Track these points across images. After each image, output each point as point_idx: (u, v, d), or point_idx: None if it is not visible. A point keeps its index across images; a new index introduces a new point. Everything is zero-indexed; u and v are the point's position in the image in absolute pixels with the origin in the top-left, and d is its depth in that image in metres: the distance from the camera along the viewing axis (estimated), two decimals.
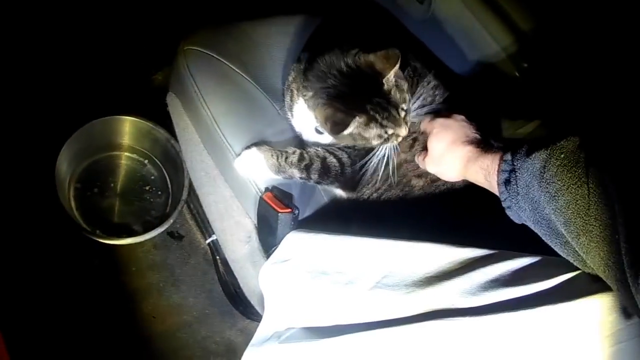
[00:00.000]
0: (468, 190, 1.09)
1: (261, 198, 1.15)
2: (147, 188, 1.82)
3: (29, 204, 1.66)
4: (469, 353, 0.83)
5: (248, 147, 1.18)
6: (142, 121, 1.72)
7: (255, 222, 1.21)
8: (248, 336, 1.69)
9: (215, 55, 1.29)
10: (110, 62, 1.84)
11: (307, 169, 1.14)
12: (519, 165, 0.90)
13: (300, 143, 1.22)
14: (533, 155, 0.88)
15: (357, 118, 1.04)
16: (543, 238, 0.89)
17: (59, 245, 1.66)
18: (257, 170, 1.16)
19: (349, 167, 1.17)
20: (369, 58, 1.08)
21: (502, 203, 0.94)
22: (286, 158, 1.14)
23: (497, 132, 1.30)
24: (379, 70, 1.07)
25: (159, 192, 1.81)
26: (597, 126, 1.16)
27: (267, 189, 1.16)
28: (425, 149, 1.11)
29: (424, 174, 1.15)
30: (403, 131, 1.09)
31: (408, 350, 0.86)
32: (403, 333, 0.87)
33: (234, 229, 1.29)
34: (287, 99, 1.20)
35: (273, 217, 1.11)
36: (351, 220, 1.16)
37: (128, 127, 1.76)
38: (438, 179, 1.13)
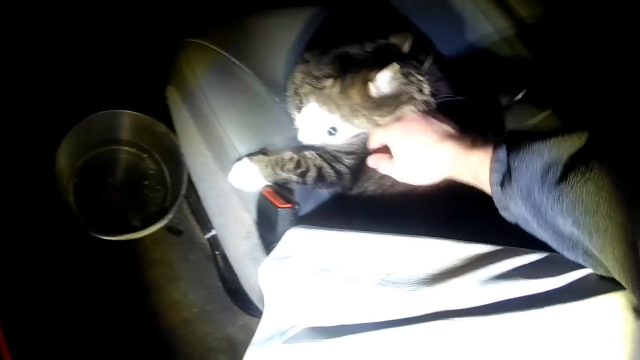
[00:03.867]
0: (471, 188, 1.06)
1: (261, 193, 1.13)
2: (146, 183, 1.81)
3: (28, 199, 1.66)
4: (476, 353, 0.81)
5: (240, 159, 1.16)
6: (141, 115, 1.71)
7: (255, 217, 1.18)
8: (249, 333, 1.67)
9: (216, 48, 1.27)
10: (109, 55, 1.83)
11: (304, 175, 1.12)
12: (516, 165, 0.86)
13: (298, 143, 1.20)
14: (533, 155, 0.84)
15: (395, 65, 1.00)
16: (547, 241, 0.86)
17: (58, 241, 1.66)
18: (251, 181, 1.14)
19: (348, 174, 1.14)
20: (387, 40, 1.07)
21: (496, 204, 0.91)
22: (282, 166, 1.12)
23: (497, 125, 1.29)
24: (397, 44, 1.06)
25: (158, 187, 1.80)
26: (606, 119, 1.13)
27: (266, 185, 1.14)
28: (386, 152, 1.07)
29: None
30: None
31: (414, 351, 0.84)
32: (409, 333, 0.85)
33: (233, 224, 1.27)
34: (295, 102, 1.17)
35: (273, 213, 1.09)
36: (354, 215, 1.13)
37: (127, 121, 1.75)
38: None
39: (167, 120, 1.52)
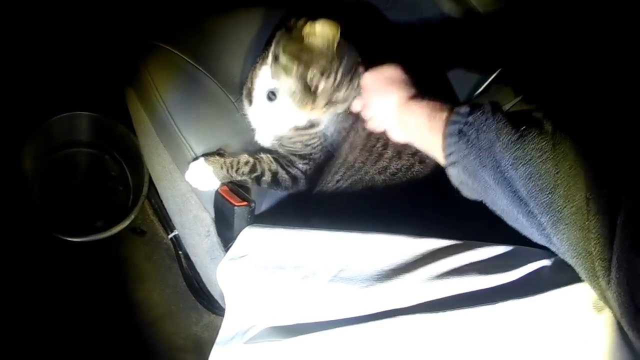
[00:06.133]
0: (434, 181, 1.07)
1: (217, 192, 1.14)
2: (108, 184, 1.80)
3: None
4: (428, 351, 0.82)
5: (196, 159, 1.17)
6: (101, 117, 1.70)
7: (213, 216, 1.19)
8: (214, 331, 1.68)
9: (172, 50, 1.27)
10: (68, 58, 1.81)
11: (258, 179, 1.15)
12: (481, 119, 0.85)
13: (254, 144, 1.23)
14: (496, 114, 0.84)
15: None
16: (502, 204, 0.85)
17: (22, 243, 1.65)
18: (207, 181, 1.16)
19: (303, 179, 1.16)
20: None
21: (446, 158, 0.90)
22: (237, 169, 1.14)
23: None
24: None
25: (120, 188, 1.80)
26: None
27: (223, 183, 1.15)
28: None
29: (383, 170, 1.14)
30: (320, 104, 1.07)
31: (368, 349, 0.85)
32: (362, 331, 0.85)
33: (192, 223, 1.28)
34: (249, 97, 1.18)
35: (229, 211, 1.10)
36: (312, 214, 1.15)
37: (88, 123, 1.74)
38: (398, 172, 1.12)
39: (128, 121, 1.52)
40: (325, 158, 1.16)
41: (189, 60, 1.26)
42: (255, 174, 1.14)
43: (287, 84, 1.05)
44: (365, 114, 1.10)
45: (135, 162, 1.70)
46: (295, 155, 1.15)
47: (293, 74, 1.04)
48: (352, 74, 1.07)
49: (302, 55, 1.04)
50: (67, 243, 1.63)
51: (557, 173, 0.76)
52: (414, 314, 0.83)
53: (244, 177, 1.14)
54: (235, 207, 1.08)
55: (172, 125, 1.20)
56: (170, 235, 1.71)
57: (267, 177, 1.14)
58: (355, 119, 1.14)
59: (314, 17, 1.03)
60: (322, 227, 1.00)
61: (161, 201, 1.60)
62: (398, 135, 1.05)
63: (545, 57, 1.28)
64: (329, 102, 1.07)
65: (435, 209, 1.10)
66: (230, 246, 1.09)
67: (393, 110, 1.02)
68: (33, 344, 1.59)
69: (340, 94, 1.07)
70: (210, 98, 1.25)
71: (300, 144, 1.15)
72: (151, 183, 1.63)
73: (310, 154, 1.16)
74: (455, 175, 0.91)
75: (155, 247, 1.80)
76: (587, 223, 0.73)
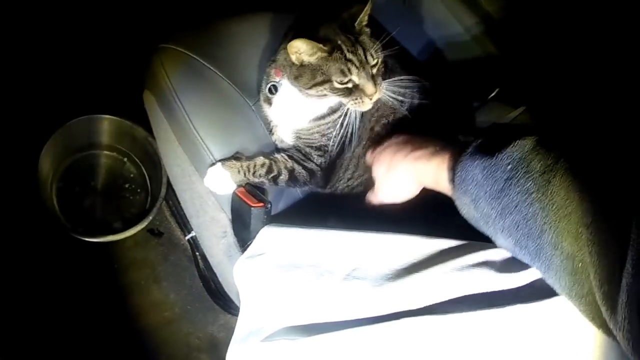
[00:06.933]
0: None
1: (234, 193, 1.16)
2: (126, 186, 1.84)
3: (11, 203, 1.67)
4: (437, 352, 0.83)
5: (213, 164, 1.19)
6: (120, 120, 1.74)
7: (230, 217, 1.22)
8: (230, 331, 1.69)
9: (189, 53, 1.29)
10: (88, 61, 1.85)
11: (275, 179, 1.17)
12: (462, 174, 0.85)
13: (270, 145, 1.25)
14: (477, 161, 0.83)
15: (322, 45, 1.04)
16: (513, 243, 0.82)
17: (41, 244, 1.68)
18: (225, 185, 1.18)
19: (319, 171, 1.18)
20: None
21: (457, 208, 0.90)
22: (254, 172, 1.16)
23: (467, 124, 1.32)
24: (354, 15, 1.09)
25: (139, 190, 1.83)
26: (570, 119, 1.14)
27: (240, 184, 1.17)
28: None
29: None
30: (370, 88, 1.06)
31: (381, 349, 0.86)
32: (375, 332, 0.87)
33: (209, 224, 1.30)
34: (266, 93, 1.20)
35: (246, 212, 1.12)
36: (328, 214, 1.17)
37: (107, 126, 1.77)
38: None
39: (146, 124, 1.55)
40: (338, 151, 1.18)
41: (205, 64, 1.28)
42: (272, 175, 1.16)
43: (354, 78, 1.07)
44: (376, 194, 1.09)
45: (154, 164, 1.74)
46: (312, 147, 1.18)
47: (330, 93, 1.08)
48: (357, 43, 1.07)
49: (316, 77, 1.07)
50: (85, 244, 1.67)
51: (545, 216, 0.73)
52: (423, 315, 0.85)
53: (261, 179, 1.16)
54: (252, 208, 1.10)
55: (190, 128, 1.23)
56: (188, 237, 1.74)
57: (284, 175, 1.16)
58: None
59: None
60: (338, 227, 1.02)
61: (179, 203, 1.62)
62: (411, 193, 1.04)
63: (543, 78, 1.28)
64: (374, 78, 1.07)
65: (446, 209, 1.11)
66: (248, 246, 1.11)
67: (409, 176, 1.01)
68: (52, 343, 1.62)
69: (372, 62, 1.07)
70: (227, 101, 1.27)
71: (318, 135, 1.17)
72: (169, 185, 1.67)
73: (326, 145, 1.17)
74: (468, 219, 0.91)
75: (172, 249, 1.83)
76: (579, 266, 0.70)
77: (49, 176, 1.74)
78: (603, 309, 0.67)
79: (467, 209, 0.88)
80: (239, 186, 1.17)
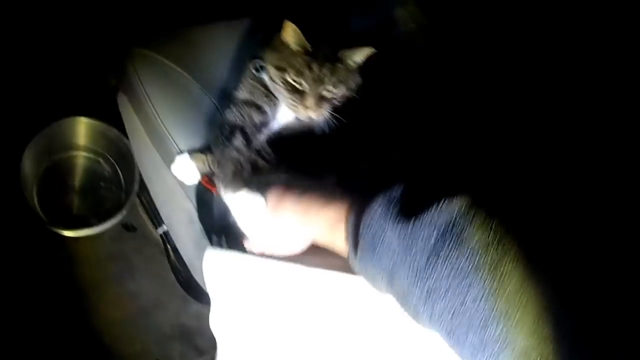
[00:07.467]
0: None
1: (199, 181, 1.26)
2: (102, 184, 1.94)
3: None
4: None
5: (181, 153, 1.27)
6: (96, 122, 1.84)
7: (195, 204, 1.32)
8: (200, 320, 1.83)
9: (161, 58, 1.40)
10: (66, 66, 1.95)
11: (239, 172, 1.21)
12: (374, 230, 0.69)
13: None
14: (389, 220, 0.67)
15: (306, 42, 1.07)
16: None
17: (22, 239, 1.78)
18: (191, 174, 1.26)
19: (282, 165, 1.24)
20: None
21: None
22: (218, 164, 1.22)
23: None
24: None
25: (114, 188, 1.94)
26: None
27: (204, 173, 1.28)
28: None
29: None
30: (310, 102, 1.08)
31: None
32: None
33: (178, 213, 1.40)
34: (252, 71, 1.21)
35: (210, 198, 1.23)
36: None
37: (84, 128, 1.87)
38: None
39: (119, 125, 1.66)
40: None
41: (174, 67, 1.38)
42: (235, 168, 1.26)
43: (279, 93, 1.12)
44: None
45: (127, 163, 1.84)
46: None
47: (279, 80, 1.11)
48: (334, 68, 1.09)
49: (281, 62, 1.11)
50: (63, 239, 1.77)
51: (491, 307, 0.57)
52: None
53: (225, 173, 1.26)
54: (215, 195, 1.21)
55: (160, 126, 1.32)
56: (160, 231, 1.83)
57: (247, 167, 1.25)
58: None
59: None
60: None
61: (151, 200, 1.73)
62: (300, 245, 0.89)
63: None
64: (320, 99, 1.10)
65: None
66: (214, 234, 1.21)
67: (299, 246, 0.88)
68: (31, 333, 1.71)
69: (330, 88, 1.09)
70: (195, 102, 1.36)
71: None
72: (142, 182, 1.76)
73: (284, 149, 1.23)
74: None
75: (145, 242, 1.92)
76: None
77: (30, 176, 1.84)
78: None
79: (377, 282, 0.71)
80: (204, 175, 1.27)
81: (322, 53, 1.08)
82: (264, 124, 1.20)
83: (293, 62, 1.09)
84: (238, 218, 1.09)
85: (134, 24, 1.86)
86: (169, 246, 1.82)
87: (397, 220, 0.65)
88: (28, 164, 1.78)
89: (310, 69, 1.07)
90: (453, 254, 0.59)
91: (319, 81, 1.08)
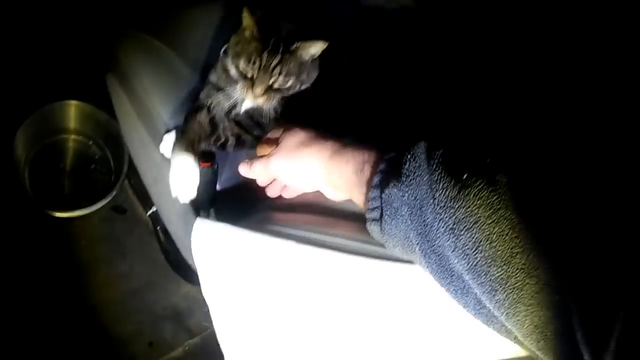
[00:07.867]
0: None
1: None
2: (92, 167, 1.98)
3: None
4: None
5: (168, 131, 1.30)
6: (86, 105, 1.87)
7: None
8: (191, 300, 1.85)
9: (150, 38, 1.42)
10: (56, 50, 1.97)
11: (223, 146, 1.27)
12: (410, 168, 0.70)
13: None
14: (433, 164, 0.67)
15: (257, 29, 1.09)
16: (432, 275, 0.70)
17: (14, 221, 1.81)
18: None
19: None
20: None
21: (368, 213, 0.77)
22: (203, 140, 1.25)
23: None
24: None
25: (104, 170, 1.97)
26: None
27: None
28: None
29: None
30: (257, 90, 1.10)
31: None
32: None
33: (165, 189, 1.40)
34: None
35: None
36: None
37: (74, 112, 1.91)
38: None
39: (108, 108, 1.68)
40: None
41: (162, 45, 1.41)
42: (220, 142, 1.28)
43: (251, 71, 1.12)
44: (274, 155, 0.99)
45: (116, 145, 1.88)
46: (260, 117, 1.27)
47: (234, 66, 1.13)
48: (285, 59, 1.10)
49: (239, 48, 1.13)
50: (55, 221, 1.80)
51: (515, 237, 0.57)
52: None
53: (210, 147, 1.29)
54: (200, 168, 1.24)
55: (149, 104, 1.35)
56: (149, 212, 1.86)
57: (231, 141, 1.27)
58: None
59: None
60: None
61: (140, 182, 1.74)
62: (332, 196, 0.92)
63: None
64: (269, 89, 1.12)
65: None
66: (199, 207, 1.24)
67: (317, 174, 0.90)
68: (19, 312, 1.74)
69: (279, 79, 1.12)
70: (179, 78, 1.39)
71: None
72: (131, 164, 1.78)
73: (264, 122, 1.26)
74: (376, 234, 0.78)
75: (135, 224, 1.95)
76: (557, 298, 0.54)
77: (22, 159, 1.87)
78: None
79: (397, 218, 0.72)
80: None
81: (277, 43, 1.10)
82: (232, 107, 1.24)
83: (248, 49, 1.11)
84: (173, 178, 1.20)
85: (123, 5, 1.88)
86: (158, 227, 1.84)
87: (437, 160, 0.67)
88: (20, 148, 1.81)
89: (261, 58, 1.09)
90: (486, 188, 0.60)
91: (268, 71, 1.10)
